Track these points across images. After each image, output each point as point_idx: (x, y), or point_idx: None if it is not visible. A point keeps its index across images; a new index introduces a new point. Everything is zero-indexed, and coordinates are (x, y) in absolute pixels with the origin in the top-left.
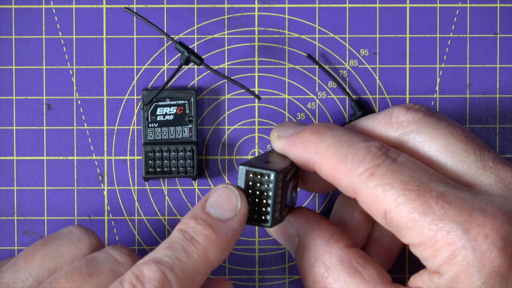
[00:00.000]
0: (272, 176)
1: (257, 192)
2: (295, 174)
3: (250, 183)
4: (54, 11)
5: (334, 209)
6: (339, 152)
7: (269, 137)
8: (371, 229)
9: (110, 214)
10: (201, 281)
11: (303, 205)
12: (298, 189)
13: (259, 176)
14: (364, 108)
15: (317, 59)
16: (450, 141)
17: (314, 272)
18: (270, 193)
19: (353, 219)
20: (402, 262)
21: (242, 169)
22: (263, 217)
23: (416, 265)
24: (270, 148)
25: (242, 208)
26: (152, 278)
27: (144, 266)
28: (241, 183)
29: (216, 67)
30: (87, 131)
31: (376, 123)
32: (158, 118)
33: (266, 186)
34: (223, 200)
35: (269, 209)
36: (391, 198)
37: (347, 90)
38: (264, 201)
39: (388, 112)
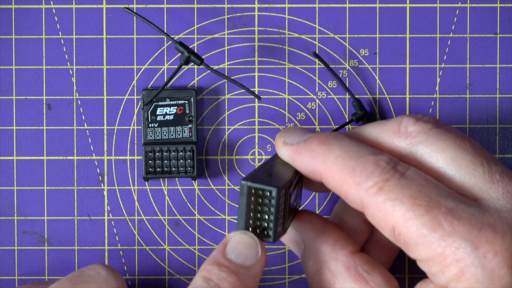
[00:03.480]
0: (273, 193)
1: (259, 207)
2: (300, 179)
3: (252, 198)
4: (54, 11)
5: (334, 212)
6: (347, 165)
7: (269, 137)
8: (369, 234)
9: (110, 214)
10: None
11: (303, 205)
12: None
13: (261, 192)
14: (365, 108)
15: (317, 60)
16: (457, 153)
17: (320, 278)
18: (272, 209)
19: (353, 224)
20: (402, 262)
21: (244, 185)
22: (265, 232)
23: (416, 266)
24: (270, 150)
25: (263, 255)
26: None
27: None
28: (242, 199)
29: (216, 67)
30: (87, 131)
31: (383, 131)
32: (158, 118)
33: (268, 201)
34: (244, 247)
35: (271, 224)
36: (399, 213)
37: (349, 89)
38: (266, 216)
39: (396, 121)
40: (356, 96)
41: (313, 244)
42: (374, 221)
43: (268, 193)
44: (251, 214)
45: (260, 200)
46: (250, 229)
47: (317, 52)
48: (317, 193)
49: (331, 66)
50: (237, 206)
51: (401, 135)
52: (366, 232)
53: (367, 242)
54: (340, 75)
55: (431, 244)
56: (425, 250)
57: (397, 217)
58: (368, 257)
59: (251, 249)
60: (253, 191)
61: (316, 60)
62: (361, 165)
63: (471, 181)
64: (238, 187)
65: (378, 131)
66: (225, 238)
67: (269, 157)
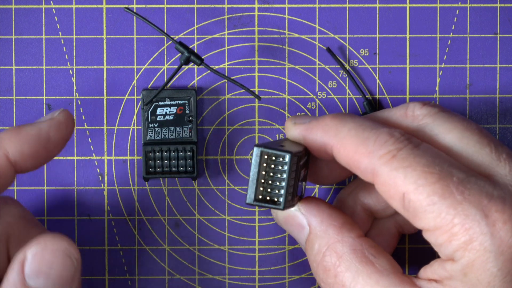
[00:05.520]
0: (287, 158)
1: (271, 174)
2: (306, 164)
3: (264, 164)
4: (54, 11)
5: (335, 204)
6: (361, 135)
7: (269, 137)
8: (369, 227)
9: (110, 214)
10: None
11: None
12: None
13: (273, 158)
14: (375, 108)
15: (317, 60)
16: (464, 133)
17: (325, 260)
18: (284, 175)
19: (353, 215)
20: (402, 263)
21: (257, 150)
22: (276, 199)
23: (416, 266)
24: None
25: (60, 115)
26: None
27: None
28: (254, 165)
29: (216, 67)
30: (87, 131)
31: (391, 116)
32: (158, 118)
33: (280, 167)
34: (49, 264)
35: (282, 191)
36: (411, 180)
37: (360, 87)
38: (278, 182)
39: (404, 106)
40: (357, 96)
41: (320, 227)
42: (384, 189)
43: (281, 159)
44: (263, 181)
45: (272, 167)
46: (260, 196)
47: (317, 52)
48: (317, 192)
49: (331, 66)
50: (237, 205)
51: (408, 118)
52: (365, 224)
53: (367, 235)
54: (340, 75)
55: (441, 211)
56: (433, 218)
57: (408, 184)
58: (373, 242)
59: (61, 260)
60: (265, 157)
61: (316, 59)
62: (375, 136)
63: (478, 160)
64: (238, 187)
65: (386, 116)
66: (20, 254)
67: None
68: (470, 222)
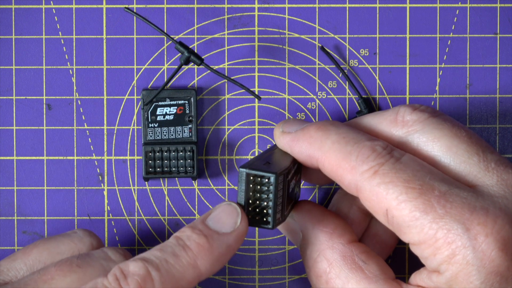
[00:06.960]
0: (272, 179)
1: (258, 194)
2: (298, 169)
3: (251, 185)
4: (54, 11)
5: (332, 204)
6: (343, 149)
7: (269, 137)
8: (367, 225)
9: (110, 214)
10: (186, 287)
11: None
12: (302, 182)
13: (259, 179)
14: (370, 106)
15: (317, 60)
16: (453, 141)
17: (317, 267)
18: (271, 195)
19: (350, 214)
20: (402, 262)
21: (242, 172)
22: (265, 219)
23: (416, 265)
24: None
25: (241, 226)
26: (135, 274)
27: (130, 262)
28: (241, 186)
29: (216, 67)
30: (87, 131)
31: (381, 121)
32: (158, 118)
33: (266, 188)
34: (224, 214)
35: (270, 211)
36: (393, 196)
37: (355, 86)
38: (265, 203)
39: (394, 111)
40: (357, 96)
41: (311, 233)
42: (368, 204)
43: (267, 180)
44: (250, 201)
45: (258, 187)
46: (250, 216)
47: (317, 52)
48: (317, 192)
49: (331, 66)
50: None
51: (398, 124)
52: (362, 223)
53: (364, 236)
54: (340, 75)
55: (423, 226)
56: (417, 233)
57: (390, 200)
58: (365, 247)
59: (230, 218)
60: (251, 178)
61: (316, 59)
62: (357, 150)
63: (466, 169)
64: (238, 187)
65: (376, 121)
66: (211, 209)
67: None
68: (453, 236)
